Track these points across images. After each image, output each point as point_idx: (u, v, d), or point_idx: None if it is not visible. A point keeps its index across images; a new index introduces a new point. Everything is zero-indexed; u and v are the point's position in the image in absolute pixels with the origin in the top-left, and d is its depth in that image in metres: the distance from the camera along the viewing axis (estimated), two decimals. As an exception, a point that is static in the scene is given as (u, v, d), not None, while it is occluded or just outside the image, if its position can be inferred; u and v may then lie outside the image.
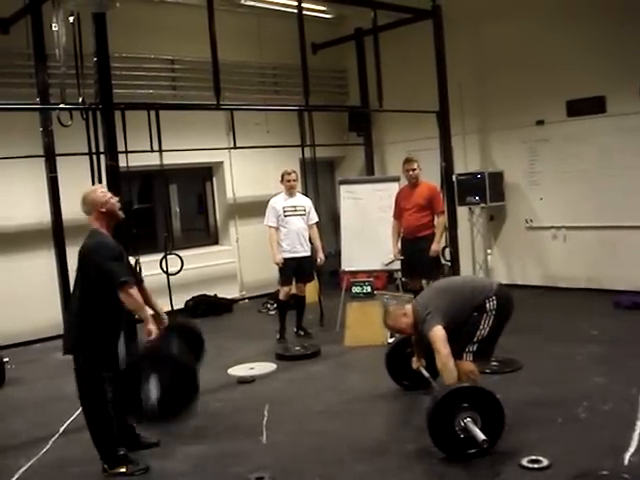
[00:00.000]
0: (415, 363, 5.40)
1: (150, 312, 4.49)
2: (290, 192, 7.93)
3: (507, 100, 9.80)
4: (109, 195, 4.58)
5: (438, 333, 4.66)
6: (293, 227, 7.81)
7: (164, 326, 4.73)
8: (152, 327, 4.36)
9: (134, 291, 4.32)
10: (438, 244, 7.76)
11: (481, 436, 4.13)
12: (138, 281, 4.72)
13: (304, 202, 8.04)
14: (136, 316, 4.58)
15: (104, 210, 4.47)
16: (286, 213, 7.82)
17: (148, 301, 4.70)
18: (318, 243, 8.04)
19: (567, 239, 9.49)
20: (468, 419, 4.23)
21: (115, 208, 4.54)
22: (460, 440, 4.25)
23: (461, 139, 10.19)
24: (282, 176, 7.95)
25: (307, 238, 7.91)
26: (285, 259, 7.74)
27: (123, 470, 4.44)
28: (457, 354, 4.70)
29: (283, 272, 7.86)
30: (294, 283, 7.94)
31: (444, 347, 4.61)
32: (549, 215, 9.64)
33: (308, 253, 7.91)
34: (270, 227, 7.83)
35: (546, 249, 9.76)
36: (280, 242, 7.79)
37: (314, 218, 8.07)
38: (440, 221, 7.85)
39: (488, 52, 9.90)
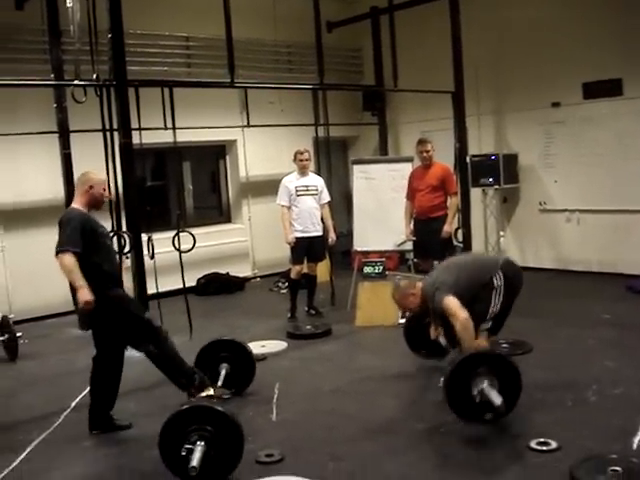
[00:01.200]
0: (433, 332, 5.37)
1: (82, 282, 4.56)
2: (303, 171, 7.92)
3: (523, 81, 9.69)
4: (103, 183, 4.97)
5: (452, 301, 4.69)
6: (305, 206, 7.80)
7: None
8: (82, 295, 4.53)
9: (68, 260, 4.51)
10: (450, 225, 7.75)
11: (498, 400, 4.13)
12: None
13: (316, 181, 8.03)
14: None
15: (91, 189, 4.79)
16: (298, 192, 7.81)
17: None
18: (329, 223, 8.04)
19: (581, 222, 9.43)
20: (485, 383, 4.23)
21: (100, 196, 4.87)
22: (476, 405, 4.25)
23: (476, 120, 10.12)
24: (295, 155, 7.93)
25: (319, 218, 7.91)
26: (297, 238, 7.75)
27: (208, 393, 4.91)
28: None
29: (295, 251, 7.87)
30: (306, 262, 7.95)
31: (461, 311, 4.64)
32: (563, 198, 9.56)
33: (320, 233, 7.91)
34: (282, 206, 7.83)
35: (559, 232, 9.70)
36: (292, 221, 7.79)
37: (326, 198, 8.06)
38: (453, 202, 7.81)
39: (505, 33, 9.77)
